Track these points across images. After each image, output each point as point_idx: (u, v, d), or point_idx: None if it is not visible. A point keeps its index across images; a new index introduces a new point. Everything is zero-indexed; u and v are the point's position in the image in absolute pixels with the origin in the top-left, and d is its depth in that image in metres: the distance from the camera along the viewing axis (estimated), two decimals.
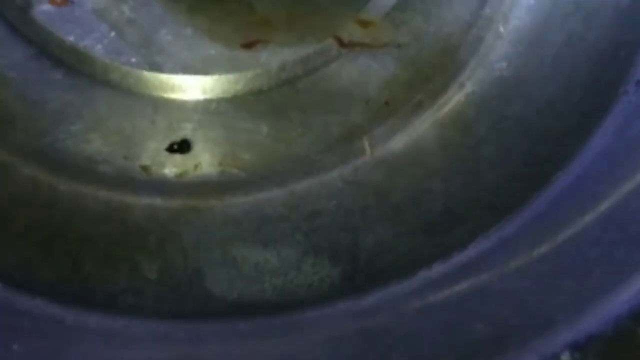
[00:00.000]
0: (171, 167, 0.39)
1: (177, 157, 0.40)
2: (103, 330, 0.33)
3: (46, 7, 0.40)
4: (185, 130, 0.40)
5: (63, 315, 0.33)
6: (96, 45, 0.41)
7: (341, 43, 0.41)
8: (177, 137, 0.40)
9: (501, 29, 0.43)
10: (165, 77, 0.41)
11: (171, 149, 0.40)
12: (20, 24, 0.41)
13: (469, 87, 0.42)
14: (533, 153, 0.40)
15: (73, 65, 0.41)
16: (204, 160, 0.40)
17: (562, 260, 0.34)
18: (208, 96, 0.41)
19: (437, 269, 0.36)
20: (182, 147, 0.39)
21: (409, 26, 0.42)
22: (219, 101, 0.41)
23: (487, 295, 0.35)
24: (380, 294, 0.36)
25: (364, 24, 0.42)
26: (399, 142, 0.41)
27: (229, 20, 0.41)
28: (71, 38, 0.41)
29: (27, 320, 0.33)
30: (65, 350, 0.31)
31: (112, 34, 0.41)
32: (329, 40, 0.42)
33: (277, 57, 0.41)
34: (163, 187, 0.39)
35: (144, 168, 0.39)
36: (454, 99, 0.42)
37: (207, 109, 0.41)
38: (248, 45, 0.41)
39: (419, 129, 0.42)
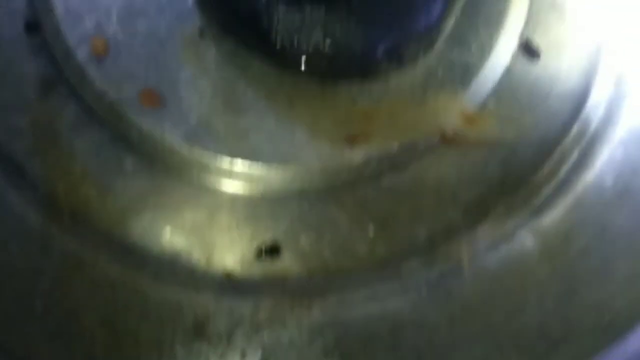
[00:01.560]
0: (257, 271, 0.37)
1: (264, 261, 0.37)
2: None
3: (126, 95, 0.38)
4: (273, 232, 0.38)
5: None
6: (176, 132, 0.39)
7: (445, 139, 0.39)
8: (264, 239, 0.38)
9: (607, 129, 0.40)
10: (250, 168, 0.39)
11: (259, 254, 0.37)
12: (98, 106, 0.39)
13: (567, 192, 0.39)
14: (637, 271, 0.36)
15: (150, 152, 0.39)
16: (291, 265, 0.37)
17: None
18: (294, 189, 0.39)
19: None
20: (270, 251, 0.37)
21: (510, 122, 0.40)
22: (304, 195, 0.39)
23: None
24: None
25: (469, 118, 0.39)
26: (490, 249, 0.39)
27: (330, 113, 0.39)
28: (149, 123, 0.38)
29: None
30: None
31: (196, 122, 0.38)
32: (432, 135, 0.39)
33: (365, 150, 0.39)
34: (246, 293, 0.37)
35: (228, 274, 0.37)
36: (552, 204, 0.39)
37: (296, 206, 0.38)
38: (350, 140, 0.38)
39: (512, 234, 0.39)
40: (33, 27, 0.40)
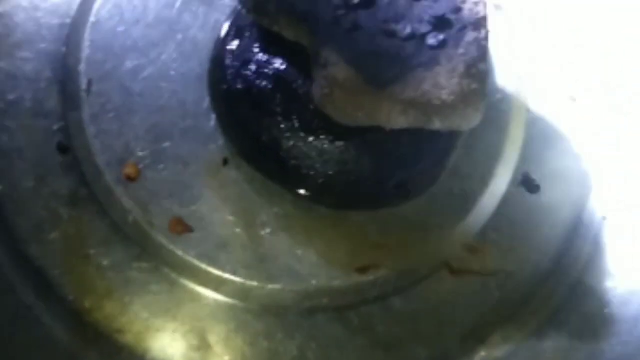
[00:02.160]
0: None
1: None
2: None
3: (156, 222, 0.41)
4: (287, 353, 0.40)
5: None
6: (197, 253, 0.41)
7: (452, 270, 0.42)
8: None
9: (597, 259, 0.43)
10: (264, 289, 0.42)
11: None
12: (125, 226, 0.41)
13: (559, 320, 0.42)
14: None
15: (172, 270, 0.41)
16: None
17: None
18: (305, 308, 0.42)
19: None
20: None
21: (509, 251, 0.43)
22: (314, 315, 0.41)
23: None
24: None
25: (473, 250, 0.42)
26: None
27: (343, 243, 0.42)
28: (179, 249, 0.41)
29: None
30: None
31: (217, 244, 0.41)
32: (437, 265, 0.42)
33: (372, 275, 0.42)
34: None
35: None
36: (545, 332, 0.42)
37: (305, 325, 0.41)
38: (361, 271, 0.41)
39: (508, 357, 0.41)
40: (65, 148, 0.42)
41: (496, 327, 0.42)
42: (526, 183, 0.44)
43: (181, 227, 0.41)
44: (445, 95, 0.37)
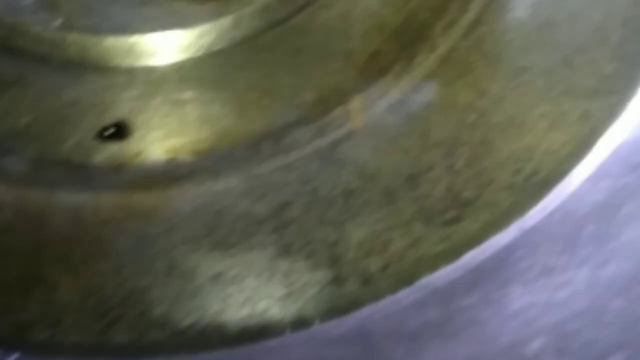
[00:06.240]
0: (102, 157, 0.31)
1: (111, 144, 0.31)
2: None
3: None
4: (122, 110, 0.32)
5: None
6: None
7: None
8: (110, 118, 0.32)
9: None
10: (94, 40, 0.33)
11: (102, 135, 0.31)
12: None
13: (477, 33, 0.33)
14: (561, 112, 0.31)
15: None
16: (144, 146, 0.32)
17: None
18: (147, 63, 0.33)
19: (442, 274, 0.28)
20: (117, 131, 0.31)
21: None
22: (160, 69, 0.33)
23: (506, 311, 0.27)
24: (370, 309, 0.28)
25: None
26: (388, 107, 0.33)
27: None
28: None
29: None
30: None
31: None
32: None
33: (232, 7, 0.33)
34: (91, 182, 0.31)
35: (67, 160, 0.31)
36: (459, 49, 0.33)
37: (147, 79, 0.33)
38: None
39: (413, 89, 0.33)
40: None
41: (396, 49, 0.33)
42: None
43: None
44: None
